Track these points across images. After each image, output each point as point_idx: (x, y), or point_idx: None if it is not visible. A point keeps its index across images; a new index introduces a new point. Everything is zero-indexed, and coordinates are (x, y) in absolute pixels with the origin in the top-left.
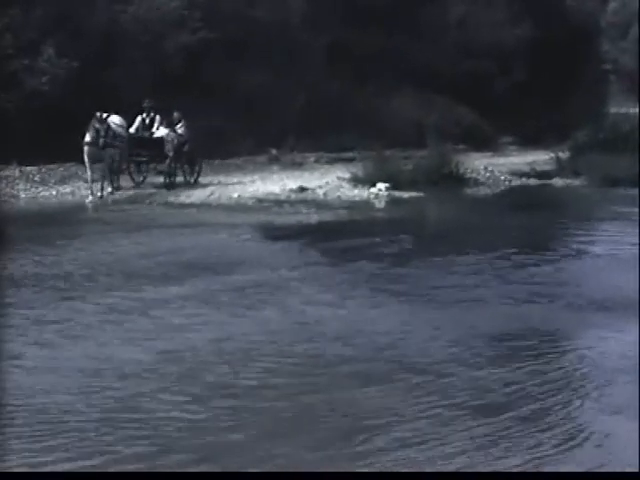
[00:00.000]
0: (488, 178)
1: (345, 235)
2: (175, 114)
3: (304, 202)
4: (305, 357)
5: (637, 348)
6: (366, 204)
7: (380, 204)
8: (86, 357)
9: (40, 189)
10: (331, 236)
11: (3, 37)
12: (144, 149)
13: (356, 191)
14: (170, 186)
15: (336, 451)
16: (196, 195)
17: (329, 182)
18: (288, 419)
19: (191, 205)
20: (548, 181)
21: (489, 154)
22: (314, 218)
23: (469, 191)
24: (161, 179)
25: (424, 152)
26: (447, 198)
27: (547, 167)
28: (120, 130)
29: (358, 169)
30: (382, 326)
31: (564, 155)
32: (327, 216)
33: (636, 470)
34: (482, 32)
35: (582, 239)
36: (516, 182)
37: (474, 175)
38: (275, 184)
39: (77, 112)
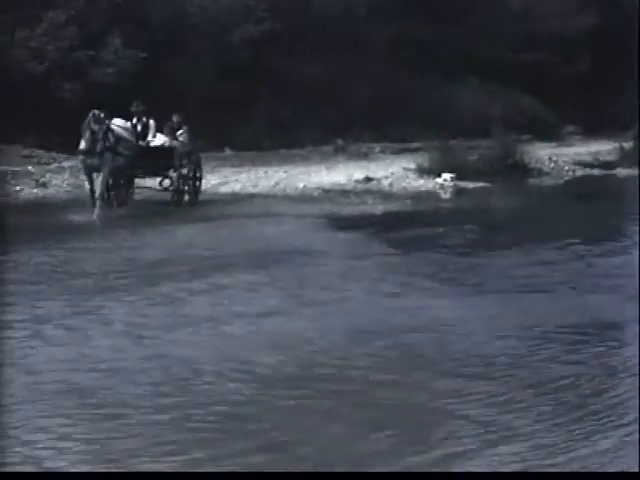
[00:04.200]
0: (552, 168)
1: (410, 225)
2: (175, 118)
3: (370, 192)
4: (376, 348)
5: None
6: (431, 194)
7: (445, 194)
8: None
9: None
10: (397, 226)
11: (67, 28)
12: (149, 161)
13: (422, 181)
14: (179, 202)
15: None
16: (262, 185)
17: (395, 172)
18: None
19: (257, 195)
20: (611, 171)
21: (553, 144)
22: (379, 208)
23: (533, 181)
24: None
25: (489, 142)
26: (512, 188)
27: (610, 157)
28: (125, 134)
29: (424, 159)
30: (448, 316)
31: (628, 145)
32: (393, 206)
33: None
34: (546, 21)
35: None
36: (580, 172)
37: (538, 165)
38: (341, 174)
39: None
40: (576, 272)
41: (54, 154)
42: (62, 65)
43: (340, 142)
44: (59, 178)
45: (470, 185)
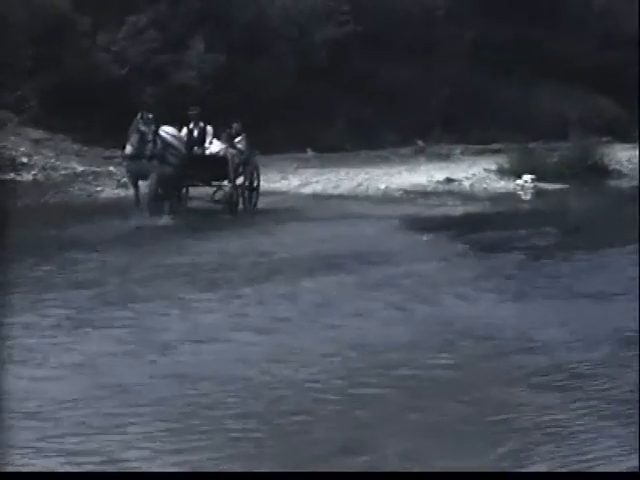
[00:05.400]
0: (631, 170)
1: (491, 227)
2: (235, 125)
3: (450, 194)
4: (456, 353)
5: None
6: (512, 196)
7: (526, 196)
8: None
9: None
10: (477, 228)
11: (148, 32)
12: (201, 170)
13: (502, 183)
14: (233, 212)
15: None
16: (343, 187)
17: (475, 174)
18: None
19: (338, 197)
20: None
21: (631, 146)
22: (460, 210)
23: (612, 183)
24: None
25: (568, 144)
26: (591, 190)
27: None
28: (174, 141)
29: (504, 161)
30: (529, 321)
31: None
32: (473, 208)
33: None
34: (623, 21)
35: None
36: None
37: (617, 167)
38: (422, 176)
39: (223, 107)
40: None
41: None
42: (143, 69)
43: (421, 143)
44: None
45: (550, 187)
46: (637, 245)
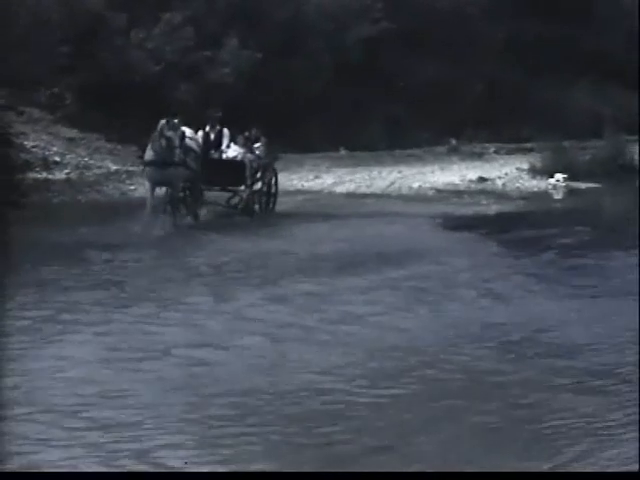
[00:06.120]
0: None
1: (523, 226)
2: (254, 130)
3: (483, 193)
4: (486, 356)
5: None
6: (544, 195)
7: (558, 195)
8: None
9: None
10: (510, 227)
11: (184, 30)
12: (218, 175)
13: (534, 182)
14: (250, 215)
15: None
16: (376, 185)
17: (508, 173)
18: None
19: (371, 195)
20: None
21: None
22: (493, 209)
23: None
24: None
25: (601, 142)
26: (623, 189)
27: None
28: (193, 145)
29: (536, 160)
30: (560, 320)
31: None
32: (506, 207)
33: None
34: None
35: None
36: None
37: None
38: (455, 174)
39: (257, 104)
40: None
41: None
42: (178, 66)
43: (454, 142)
44: None
45: (582, 186)
46: None
